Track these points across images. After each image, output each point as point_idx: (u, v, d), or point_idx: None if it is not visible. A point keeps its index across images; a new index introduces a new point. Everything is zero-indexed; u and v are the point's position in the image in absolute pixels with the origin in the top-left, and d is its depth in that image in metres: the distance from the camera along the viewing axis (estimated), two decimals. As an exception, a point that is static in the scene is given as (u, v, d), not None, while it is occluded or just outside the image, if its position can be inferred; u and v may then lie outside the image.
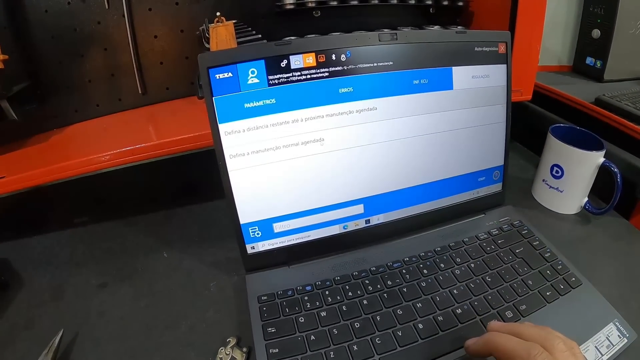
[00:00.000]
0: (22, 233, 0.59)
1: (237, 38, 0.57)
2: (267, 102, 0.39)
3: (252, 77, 0.39)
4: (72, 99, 0.63)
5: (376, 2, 0.62)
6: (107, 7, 0.59)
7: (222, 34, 0.56)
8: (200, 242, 0.55)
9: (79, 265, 0.52)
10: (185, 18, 0.62)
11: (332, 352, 0.36)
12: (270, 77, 0.39)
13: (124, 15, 0.59)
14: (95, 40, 0.61)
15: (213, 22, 0.56)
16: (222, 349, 0.39)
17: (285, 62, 0.39)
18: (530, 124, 0.72)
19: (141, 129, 0.60)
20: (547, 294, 0.41)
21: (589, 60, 0.84)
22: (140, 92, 0.64)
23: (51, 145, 0.59)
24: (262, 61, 0.39)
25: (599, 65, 0.81)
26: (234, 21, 0.57)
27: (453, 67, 0.45)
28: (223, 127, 0.39)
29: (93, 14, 0.59)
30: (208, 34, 0.56)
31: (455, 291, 0.41)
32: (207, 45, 0.57)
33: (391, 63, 0.42)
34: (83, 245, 0.57)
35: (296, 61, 0.39)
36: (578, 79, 0.84)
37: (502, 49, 0.48)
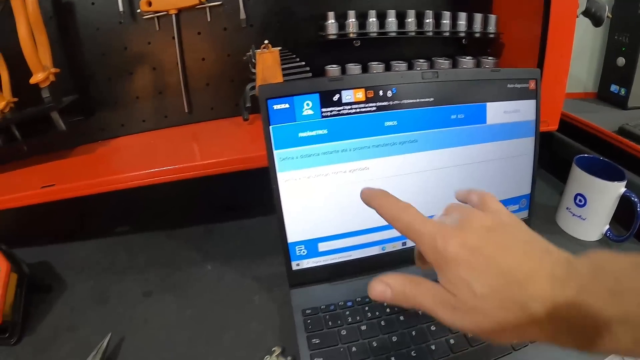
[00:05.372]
0: (62, 239, 0.61)
1: (281, 64, 0.61)
2: (320, 132, 0.43)
3: (307, 109, 0.42)
4: (119, 113, 0.66)
5: (413, 34, 0.65)
6: (157, 28, 0.62)
7: (268, 60, 0.60)
8: (241, 258, 0.56)
9: (121, 273, 0.54)
10: (232, 43, 0.65)
11: (372, 363, 0.39)
12: (324, 110, 0.43)
13: (173, 38, 0.63)
14: (145, 60, 0.64)
15: (259, 49, 0.60)
16: (267, 357, 0.41)
17: (337, 96, 0.43)
18: (556, 153, 0.74)
19: (186, 147, 0.63)
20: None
21: (614, 87, 0.85)
22: (186, 110, 0.68)
23: (97, 157, 0.61)
24: (317, 95, 0.42)
25: (623, 92, 0.83)
26: (279, 48, 0.61)
27: (487, 103, 0.48)
28: (278, 154, 0.43)
29: (144, 35, 0.62)
30: (254, 59, 0.60)
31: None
32: (253, 70, 0.61)
33: (432, 99, 0.45)
34: (125, 253, 0.58)
35: (347, 96, 0.43)
36: (602, 107, 0.85)
37: (532, 85, 0.51)
